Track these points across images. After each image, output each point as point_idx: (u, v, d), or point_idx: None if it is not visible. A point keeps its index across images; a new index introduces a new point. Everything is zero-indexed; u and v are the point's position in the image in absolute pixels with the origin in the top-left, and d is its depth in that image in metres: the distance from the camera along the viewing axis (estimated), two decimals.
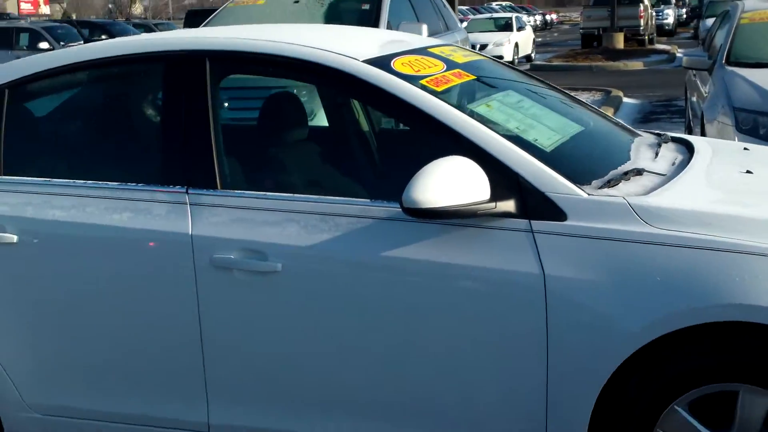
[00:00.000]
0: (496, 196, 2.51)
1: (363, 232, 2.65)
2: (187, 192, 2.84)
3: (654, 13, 28.63)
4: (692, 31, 31.67)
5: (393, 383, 2.69)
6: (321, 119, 3.76)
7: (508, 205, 2.53)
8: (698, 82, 7.49)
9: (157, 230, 2.83)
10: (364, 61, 2.82)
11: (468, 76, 3.07)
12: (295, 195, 2.78)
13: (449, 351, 2.60)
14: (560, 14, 65.91)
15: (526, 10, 48.91)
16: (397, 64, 2.88)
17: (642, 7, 25.73)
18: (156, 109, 3.19)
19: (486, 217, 2.53)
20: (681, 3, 41.14)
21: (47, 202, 2.95)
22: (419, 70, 2.91)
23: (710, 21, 17.49)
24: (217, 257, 2.76)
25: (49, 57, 3.16)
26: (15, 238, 2.95)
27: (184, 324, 2.84)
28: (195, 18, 28.69)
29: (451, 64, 3.09)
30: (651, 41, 26.37)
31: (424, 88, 2.76)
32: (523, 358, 2.53)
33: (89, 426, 3.04)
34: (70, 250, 2.92)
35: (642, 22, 25.57)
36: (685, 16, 38.89)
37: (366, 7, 7.73)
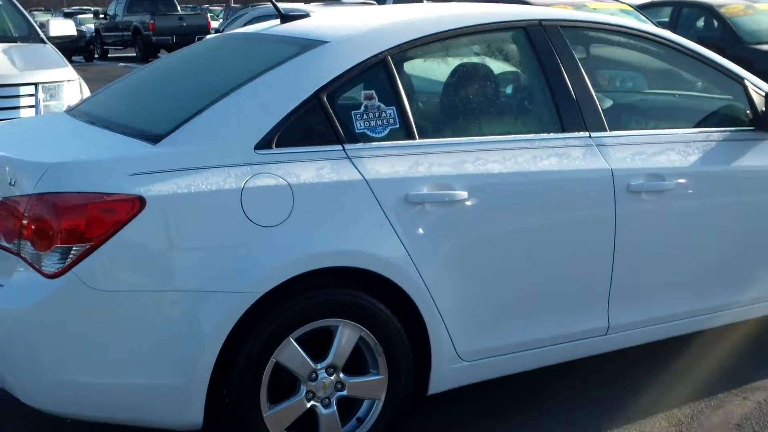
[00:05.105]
0: None
1: (716, 150, 3.75)
2: (590, 136, 3.55)
3: None
4: None
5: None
6: None
7: None
8: None
9: (582, 169, 3.48)
10: None
11: None
12: (670, 132, 3.77)
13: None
14: None
15: None
16: None
17: None
18: (530, 70, 3.76)
19: None
20: None
21: (480, 159, 3.33)
22: None
23: None
24: (634, 184, 3.54)
25: (432, 23, 3.54)
26: (465, 194, 3.27)
27: (602, 242, 3.53)
28: None
29: None
30: None
31: None
32: None
33: (508, 361, 3.47)
34: (509, 197, 3.38)
35: None
36: None
37: None
